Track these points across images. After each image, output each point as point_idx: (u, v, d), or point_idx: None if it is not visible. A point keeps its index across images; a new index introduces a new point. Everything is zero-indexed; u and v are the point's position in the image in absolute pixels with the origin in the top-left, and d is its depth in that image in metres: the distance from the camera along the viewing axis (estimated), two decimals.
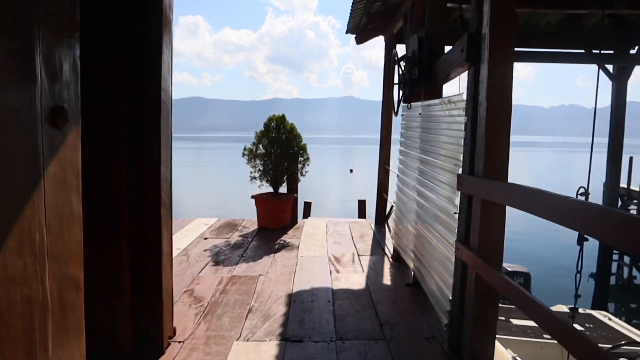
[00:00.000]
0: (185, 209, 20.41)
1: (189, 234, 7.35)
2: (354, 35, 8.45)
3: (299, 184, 8.05)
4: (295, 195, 8.02)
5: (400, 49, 8.18)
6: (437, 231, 3.92)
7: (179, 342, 3.61)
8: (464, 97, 3.40)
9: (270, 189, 7.90)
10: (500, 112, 2.94)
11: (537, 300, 2.28)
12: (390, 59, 8.09)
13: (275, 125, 7.67)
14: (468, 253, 3.10)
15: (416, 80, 4.51)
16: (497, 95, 2.93)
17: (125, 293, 3.36)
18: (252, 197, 7.83)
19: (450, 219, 3.61)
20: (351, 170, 45.23)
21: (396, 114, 5.19)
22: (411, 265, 4.96)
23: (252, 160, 7.70)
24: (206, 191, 27.61)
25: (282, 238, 7.10)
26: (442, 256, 3.80)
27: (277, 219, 7.69)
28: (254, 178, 7.72)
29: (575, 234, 2.36)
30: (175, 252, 6.25)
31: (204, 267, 5.61)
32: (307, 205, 10.02)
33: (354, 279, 5.16)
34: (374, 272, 5.47)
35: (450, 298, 3.49)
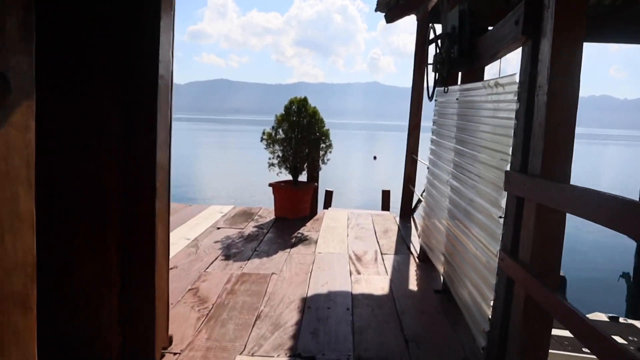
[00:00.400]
0: (203, 193, 20.08)
1: (202, 223, 6.92)
2: (383, 14, 7.85)
3: (320, 172, 7.53)
4: (316, 184, 7.52)
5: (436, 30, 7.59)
6: (475, 235, 3.37)
7: (175, 353, 3.16)
8: (516, 78, 2.83)
9: (289, 177, 7.41)
10: (566, 97, 2.38)
11: (576, 309, 1.79)
12: (422, 40, 7.49)
13: (296, 108, 7.15)
14: (516, 267, 2.57)
15: (455, 60, 3.94)
16: (562, 76, 2.37)
17: (112, 298, 2.92)
18: (270, 185, 7.35)
19: (492, 223, 3.06)
20: (375, 157, 44.53)
21: (431, 98, 4.61)
22: (440, 269, 4.42)
23: (271, 146, 7.21)
24: (226, 175, 27.20)
25: (300, 231, 6.61)
26: (479, 265, 3.26)
27: (295, 209, 7.21)
28: (272, 165, 7.23)
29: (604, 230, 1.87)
30: (184, 243, 5.83)
31: (213, 261, 5.16)
32: (329, 195, 9.49)
33: (377, 283, 4.65)
34: (399, 274, 4.95)
35: (490, 317, 2.96)
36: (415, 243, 6.14)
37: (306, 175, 7.51)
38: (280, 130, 7.16)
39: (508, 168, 2.88)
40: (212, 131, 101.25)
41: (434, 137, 5.15)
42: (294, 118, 7.10)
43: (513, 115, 2.85)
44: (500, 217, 2.93)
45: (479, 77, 4.14)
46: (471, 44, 3.84)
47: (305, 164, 7.26)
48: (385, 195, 10.13)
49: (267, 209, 7.96)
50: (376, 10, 7.71)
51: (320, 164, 7.31)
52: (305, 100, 7.21)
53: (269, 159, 7.27)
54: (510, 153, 2.86)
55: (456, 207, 3.94)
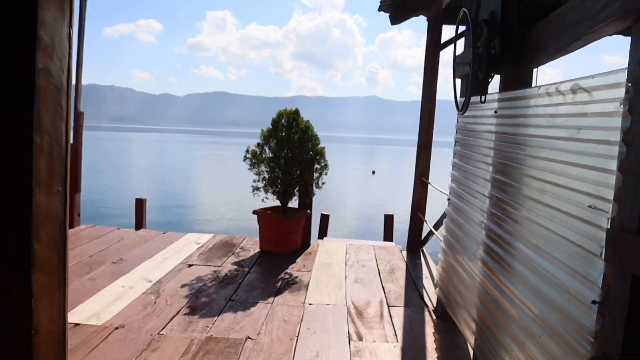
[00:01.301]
0: (187, 215, 18.68)
1: (172, 257, 5.79)
2: (388, 15, 6.79)
3: (314, 197, 6.41)
4: (308, 212, 6.40)
5: (448, 33, 6.50)
6: (539, 316, 2.25)
7: None
8: (621, 78, 1.74)
9: (278, 203, 6.29)
10: None
11: None
12: (433, 43, 6.42)
13: (286, 122, 6.05)
14: None
15: (497, 58, 2.85)
16: None
17: None
18: (254, 212, 6.23)
19: (574, 306, 1.95)
20: (373, 172, 43.44)
21: (463, 110, 3.49)
22: (470, 338, 3.29)
23: (256, 166, 6.09)
24: (217, 193, 25.78)
25: (288, 270, 5.48)
26: None
27: (284, 241, 6.08)
28: (257, 189, 6.11)
29: None
30: (143, 288, 4.69)
31: (174, 316, 4.02)
32: (324, 220, 8.38)
33: (384, 356, 3.50)
34: (412, 340, 3.80)
35: None
36: (429, 288, 5.02)
37: (297, 201, 6.39)
38: (267, 148, 6.06)
39: (607, 224, 1.77)
40: (209, 144, 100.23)
41: (457, 161, 4.04)
42: (283, 133, 6.00)
43: (614, 136, 1.76)
44: (594, 302, 1.82)
45: (527, 81, 3.05)
46: (520, 35, 2.76)
47: (297, 188, 6.15)
48: (388, 221, 9.01)
49: (252, 238, 6.83)
50: (380, 9, 6.65)
51: (314, 188, 6.19)
52: (296, 112, 6.11)
53: (254, 181, 6.16)
54: (613, 199, 1.76)
55: (498, 262, 2.82)
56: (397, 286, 5.08)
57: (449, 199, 4.22)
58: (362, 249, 6.61)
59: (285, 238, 6.07)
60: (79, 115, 6.89)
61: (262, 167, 6.07)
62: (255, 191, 6.08)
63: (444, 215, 5.93)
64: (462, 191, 3.82)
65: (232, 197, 22.03)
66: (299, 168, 6.01)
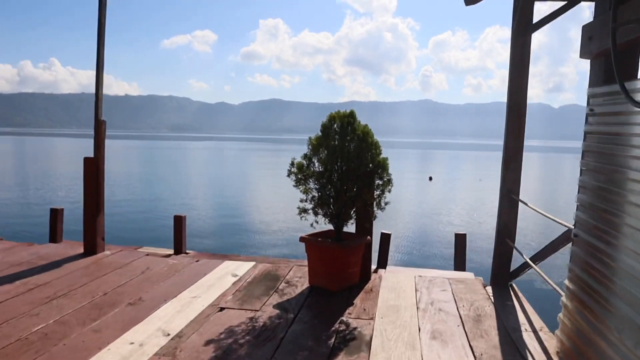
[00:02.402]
0: (231, 235, 17.32)
1: (202, 295, 4.72)
2: None
3: (375, 220, 5.19)
4: (369, 238, 5.19)
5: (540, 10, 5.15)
6: None
7: None
8: None
9: (331, 227, 5.12)
10: None
11: None
12: (522, 24, 5.09)
13: (339, 127, 4.87)
14: None
15: None
16: None
17: None
18: (302, 240, 5.08)
19: None
20: (430, 178, 41.59)
21: (597, 105, 2.21)
22: None
23: (303, 182, 4.94)
24: (264, 206, 24.30)
25: (344, 317, 4.28)
26: None
27: (338, 276, 4.89)
28: (305, 211, 4.94)
29: None
30: (160, 342, 3.64)
31: None
32: (385, 241, 7.09)
33: None
34: None
35: None
36: (534, 348, 3.70)
37: (355, 224, 5.20)
38: (317, 160, 4.90)
39: None
40: (264, 151, 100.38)
41: (591, 181, 2.74)
42: (336, 142, 4.82)
43: None
44: None
45: None
46: None
47: (353, 210, 4.95)
48: (460, 242, 7.65)
49: (300, 268, 5.70)
50: None
51: (376, 209, 4.97)
52: (352, 115, 4.92)
53: (301, 201, 5.00)
54: None
55: None
56: (490, 345, 3.79)
57: (575, 235, 2.91)
58: (435, 283, 5.34)
59: (340, 272, 4.89)
60: (99, 124, 5.97)
61: (311, 184, 4.91)
62: (303, 214, 4.92)
63: (552, 246, 4.60)
64: (608, 220, 2.51)
65: (283, 211, 20.95)
66: (355, 184, 4.81)
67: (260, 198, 26.00)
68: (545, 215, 4.31)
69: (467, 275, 5.89)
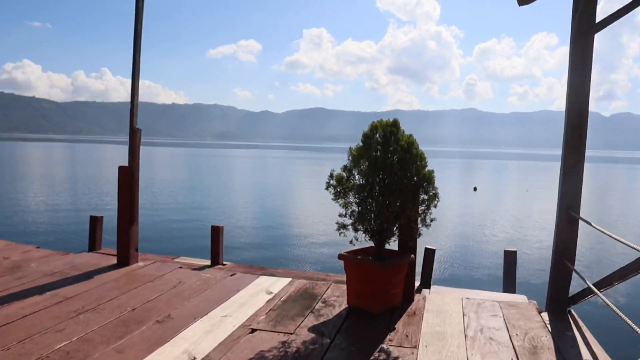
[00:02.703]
0: (269, 241, 16.94)
1: (233, 314, 4.46)
2: None
3: (420, 237, 4.81)
4: (413, 256, 4.82)
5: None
6: None
7: None
8: None
9: (371, 244, 4.77)
10: None
11: None
12: (583, 23, 4.63)
13: (381, 137, 4.53)
14: None
15: None
16: None
17: None
18: (340, 257, 4.76)
19: None
20: (475, 189, 40.48)
21: None
22: None
23: (343, 196, 4.62)
24: (305, 215, 23.79)
25: (385, 344, 3.92)
26: None
27: (379, 297, 4.54)
28: (344, 227, 4.61)
29: None
30: None
31: None
32: (429, 256, 6.66)
33: None
34: None
35: None
36: None
37: (397, 241, 4.83)
38: (357, 173, 4.57)
39: None
40: (306, 159, 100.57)
41: None
42: (378, 152, 4.48)
43: None
44: None
45: None
46: None
47: (396, 226, 4.59)
48: (510, 259, 7.16)
49: (339, 286, 5.38)
50: None
51: (421, 225, 4.59)
52: (395, 124, 4.57)
53: (340, 215, 4.68)
54: None
55: None
56: None
57: None
58: (484, 307, 4.91)
59: (381, 293, 4.53)
60: (134, 133, 5.82)
61: (351, 198, 4.58)
62: (342, 230, 4.59)
63: (621, 273, 4.13)
64: None
65: (324, 222, 20.57)
66: (399, 199, 4.45)
67: (301, 208, 25.74)
68: (614, 238, 3.84)
69: (519, 298, 5.42)
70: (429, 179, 4.51)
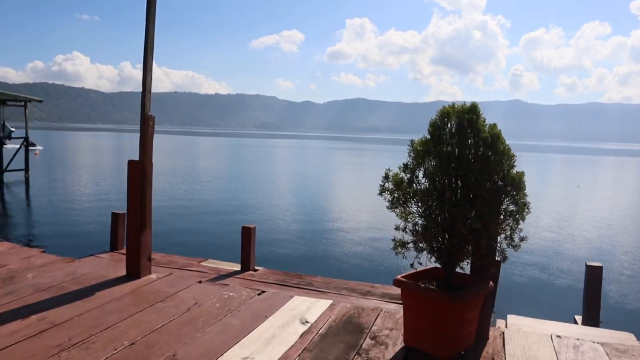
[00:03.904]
0: (305, 247, 14.97)
1: (258, 355, 3.43)
2: None
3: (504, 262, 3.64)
4: (491, 284, 3.67)
5: None
6: None
7: None
8: None
9: (436, 264, 3.65)
10: None
11: None
12: None
13: (456, 127, 3.39)
14: None
15: None
16: None
17: None
18: (397, 284, 3.65)
19: None
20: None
21: None
22: None
23: (401, 204, 3.51)
24: (350, 211, 22.08)
25: None
26: None
27: (447, 338, 3.42)
28: (403, 245, 3.50)
29: None
30: None
31: None
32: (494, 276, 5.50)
33: None
34: None
35: None
36: None
37: (469, 264, 3.69)
38: (421, 175, 3.45)
39: None
40: (348, 150, 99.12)
41: None
42: (451, 147, 3.35)
43: None
44: None
45: None
46: None
47: (471, 244, 3.45)
48: (593, 276, 5.95)
49: (393, 314, 4.29)
50: None
51: (505, 245, 3.44)
52: (473, 109, 3.41)
53: (397, 228, 3.57)
54: None
55: None
56: None
57: None
58: (583, 351, 3.72)
59: (450, 333, 3.41)
60: (146, 120, 4.85)
61: (413, 206, 3.47)
62: (400, 249, 3.49)
63: None
64: None
65: (367, 218, 19.28)
66: (479, 208, 3.31)
67: (343, 203, 24.53)
68: None
69: (625, 337, 4.20)
70: (518, 183, 3.35)
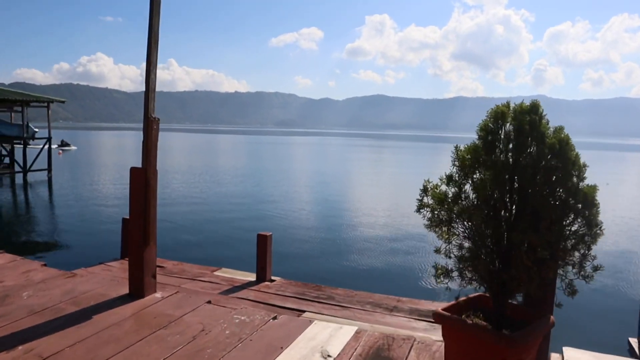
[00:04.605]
0: (330, 246, 13.79)
1: None
2: None
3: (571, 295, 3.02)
4: (552, 319, 3.05)
5: None
6: None
7: None
8: None
9: (485, 293, 3.05)
10: None
11: None
12: None
13: (515, 130, 2.78)
14: None
15: None
16: None
17: None
18: (437, 319, 3.05)
19: None
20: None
21: None
22: None
23: (445, 225, 2.91)
24: (374, 213, 20.64)
25: None
26: None
27: None
28: (446, 273, 2.91)
29: None
30: None
31: None
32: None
33: None
34: None
35: None
36: None
37: (523, 293, 3.08)
38: (469, 188, 2.85)
39: None
40: (368, 147, 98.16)
41: None
42: (508, 156, 2.75)
43: None
44: None
45: None
46: None
47: (535, 277, 2.84)
48: None
49: (428, 345, 3.71)
50: None
51: (575, 274, 2.83)
52: (534, 109, 2.80)
53: (437, 250, 2.99)
54: None
55: None
56: None
57: None
58: None
59: None
60: (150, 124, 4.32)
61: (459, 227, 2.87)
62: (442, 278, 2.90)
63: None
64: None
65: (392, 220, 18.50)
66: (545, 233, 2.70)
67: (364, 202, 23.79)
68: None
69: None
70: (590, 200, 2.73)
